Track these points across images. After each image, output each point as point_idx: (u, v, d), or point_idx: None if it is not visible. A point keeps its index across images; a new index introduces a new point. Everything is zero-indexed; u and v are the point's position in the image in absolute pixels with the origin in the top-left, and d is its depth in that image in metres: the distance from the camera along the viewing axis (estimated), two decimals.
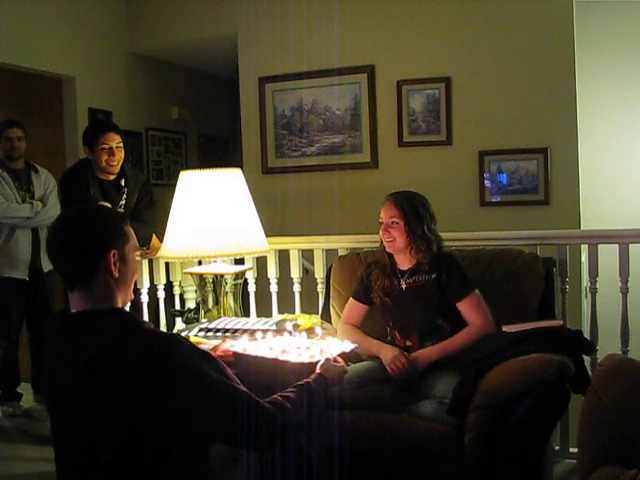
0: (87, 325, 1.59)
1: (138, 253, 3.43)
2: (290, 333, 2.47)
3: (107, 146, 3.67)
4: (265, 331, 2.68)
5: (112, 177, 3.79)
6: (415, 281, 2.78)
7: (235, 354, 2.24)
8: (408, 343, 2.77)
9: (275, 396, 1.73)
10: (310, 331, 2.61)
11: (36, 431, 3.85)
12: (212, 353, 2.17)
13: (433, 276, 2.75)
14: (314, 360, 2.07)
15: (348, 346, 2.30)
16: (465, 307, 2.71)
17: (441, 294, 2.73)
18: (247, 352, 2.27)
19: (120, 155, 3.73)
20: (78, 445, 1.60)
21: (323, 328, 2.99)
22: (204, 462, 1.65)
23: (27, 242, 4.15)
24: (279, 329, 2.76)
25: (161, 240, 3.18)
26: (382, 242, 2.83)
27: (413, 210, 2.74)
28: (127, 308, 3.46)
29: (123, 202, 3.82)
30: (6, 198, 4.06)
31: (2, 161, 4.18)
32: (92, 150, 3.70)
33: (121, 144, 3.73)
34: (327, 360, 2.03)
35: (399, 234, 2.74)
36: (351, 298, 2.96)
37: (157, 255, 3.42)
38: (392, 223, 2.75)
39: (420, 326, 2.75)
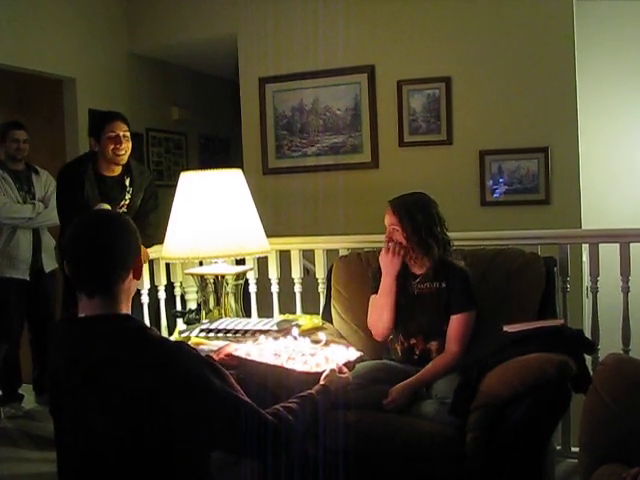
0: (94, 330, 1.60)
1: None
2: (295, 338, 2.46)
3: (114, 134, 3.49)
4: (268, 332, 2.68)
5: (117, 171, 3.61)
6: (427, 287, 2.78)
7: (239, 359, 2.23)
8: (413, 341, 2.79)
9: (277, 407, 1.72)
10: (314, 335, 2.60)
11: (37, 432, 3.85)
12: (214, 357, 2.18)
13: (443, 285, 2.76)
14: (320, 369, 2.07)
15: (353, 354, 2.29)
16: (454, 323, 2.71)
17: (448, 303, 2.73)
18: (251, 357, 2.25)
19: (127, 145, 3.55)
20: (80, 448, 1.60)
21: (324, 329, 3.00)
22: (204, 467, 1.65)
23: (28, 243, 4.18)
24: (281, 329, 2.76)
25: (162, 242, 3.18)
26: None
27: (409, 217, 2.74)
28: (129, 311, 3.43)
29: (126, 201, 3.64)
30: (8, 198, 4.08)
31: (3, 162, 4.21)
32: (98, 140, 3.52)
33: (128, 133, 3.57)
34: (332, 371, 2.03)
35: (400, 239, 2.76)
36: (372, 295, 2.90)
37: (146, 260, 3.51)
38: (392, 230, 2.78)
39: (426, 330, 2.77)
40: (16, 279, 4.15)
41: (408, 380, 2.61)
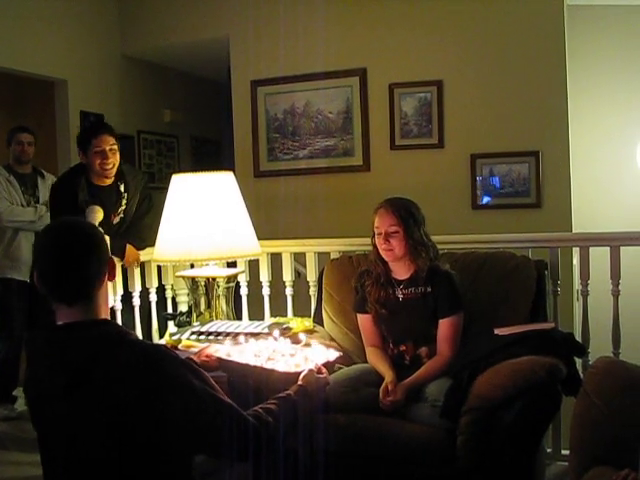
0: (74, 337, 1.59)
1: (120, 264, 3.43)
2: (275, 339, 2.45)
3: (100, 149, 3.46)
4: (248, 334, 2.66)
5: (109, 181, 3.59)
6: (412, 292, 2.75)
7: (219, 360, 2.22)
8: (402, 348, 2.77)
9: (256, 408, 1.72)
10: (294, 337, 2.58)
11: (27, 435, 3.82)
12: (195, 358, 2.17)
13: (429, 289, 2.73)
14: (299, 369, 2.06)
15: (333, 354, 2.29)
16: (444, 327, 2.69)
17: (435, 307, 2.72)
18: (231, 357, 2.24)
19: (115, 158, 3.52)
20: (64, 454, 1.60)
21: (315, 331, 3.00)
22: (187, 472, 1.65)
23: (29, 245, 4.26)
24: (265, 333, 2.75)
25: (153, 244, 3.17)
26: (374, 250, 2.79)
27: (410, 216, 2.70)
28: (119, 312, 3.42)
29: (123, 207, 3.63)
30: (12, 202, 4.21)
31: (10, 165, 4.34)
32: (86, 154, 3.52)
33: (115, 146, 3.52)
34: (310, 371, 2.01)
35: (398, 242, 2.69)
36: (358, 314, 2.89)
37: (133, 262, 3.54)
38: (392, 232, 2.68)
39: (415, 335, 2.75)
40: (18, 280, 4.23)
41: (404, 381, 2.60)
